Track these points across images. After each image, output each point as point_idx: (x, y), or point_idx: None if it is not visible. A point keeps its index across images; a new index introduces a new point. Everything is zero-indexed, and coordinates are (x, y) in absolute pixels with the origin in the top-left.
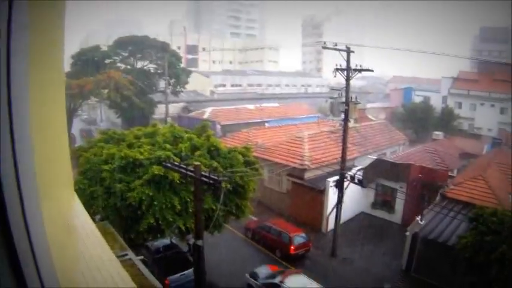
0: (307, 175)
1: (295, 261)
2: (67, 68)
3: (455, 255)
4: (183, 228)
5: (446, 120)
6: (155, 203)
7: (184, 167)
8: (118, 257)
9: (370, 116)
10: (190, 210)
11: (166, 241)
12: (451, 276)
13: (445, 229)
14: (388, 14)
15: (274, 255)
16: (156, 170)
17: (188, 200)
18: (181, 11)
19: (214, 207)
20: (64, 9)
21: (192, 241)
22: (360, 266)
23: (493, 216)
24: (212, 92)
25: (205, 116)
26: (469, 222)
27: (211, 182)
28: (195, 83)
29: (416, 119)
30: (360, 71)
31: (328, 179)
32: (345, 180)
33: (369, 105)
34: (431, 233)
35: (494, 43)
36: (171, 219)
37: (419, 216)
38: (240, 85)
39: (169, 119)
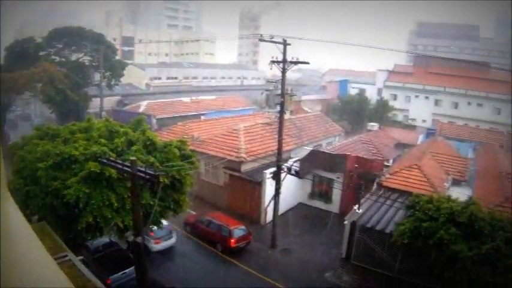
0: (244, 167)
1: (236, 254)
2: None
3: (394, 241)
4: (121, 225)
5: (381, 112)
6: (92, 201)
7: (121, 162)
8: (57, 258)
9: (306, 108)
10: (128, 207)
11: (105, 240)
12: (390, 262)
13: (383, 217)
14: (329, 10)
15: (215, 249)
16: (92, 166)
17: (126, 196)
18: (119, 2)
19: (152, 203)
20: None
21: (131, 238)
22: (301, 255)
23: (429, 203)
24: (148, 85)
25: (141, 110)
26: (406, 209)
27: (148, 177)
28: (131, 76)
29: (352, 111)
30: (295, 63)
31: (265, 171)
32: (282, 171)
33: (304, 97)
34: (369, 221)
35: (429, 38)
36: (109, 217)
37: (357, 206)
38: (175, 78)
39: (104, 113)
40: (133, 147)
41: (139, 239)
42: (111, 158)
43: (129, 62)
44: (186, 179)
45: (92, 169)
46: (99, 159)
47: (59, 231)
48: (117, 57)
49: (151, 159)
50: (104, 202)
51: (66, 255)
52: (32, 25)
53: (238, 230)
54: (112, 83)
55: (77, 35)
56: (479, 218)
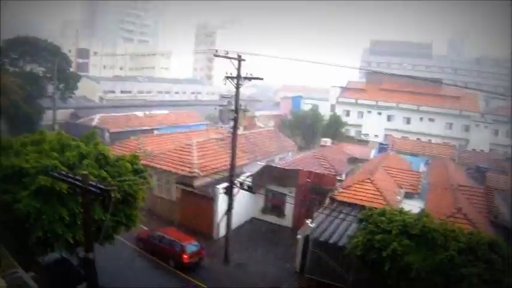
0: (197, 183)
1: (189, 270)
2: None
3: (347, 254)
4: (71, 240)
5: (334, 127)
6: (43, 215)
7: (72, 176)
8: (8, 275)
9: (259, 124)
10: (79, 222)
11: (57, 255)
12: (344, 275)
13: (336, 230)
14: (287, 26)
15: (167, 265)
16: (43, 180)
17: (77, 211)
18: (76, 10)
19: (103, 218)
20: None
21: (82, 254)
22: (255, 270)
23: (381, 216)
24: (101, 98)
25: (94, 123)
26: (359, 222)
27: (99, 191)
28: (85, 89)
29: (305, 126)
30: (250, 79)
31: (218, 186)
32: (235, 186)
33: (258, 113)
34: (322, 234)
35: (382, 55)
36: (60, 232)
37: (310, 220)
38: (130, 91)
39: (57, 126)
40: (85, 161)
41: (90, 255)
42: (62, 172)
43: (83, 74)
44: (138, 193)
45: (42, 183)
46: (50, 173)
47: (9, 247)
48: (72, 69)
49: (103, 173)
50: (54, 217)
51: (16, 272)
52: None
53: (191, 246)
54: (66, 95)
55: (32, 46)
56: (432, 229)
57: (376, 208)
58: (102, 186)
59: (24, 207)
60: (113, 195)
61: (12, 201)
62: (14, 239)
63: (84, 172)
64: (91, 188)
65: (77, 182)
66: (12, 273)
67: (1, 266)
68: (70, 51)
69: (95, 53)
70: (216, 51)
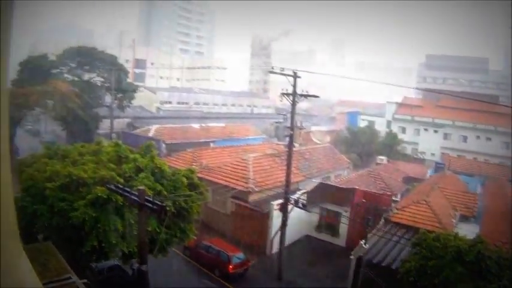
0: (252, 197)
1: (234, 281)
2: (14, 75)
3: (399, 278)
4: (126, 251)
5: (390, 145)
6: (98, 224)
7: (128, 190)
8: (61, 280)
9: (315, 139)
10: (134, 233)
11: (111, 262)
12: None
13: (389, 253)
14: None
15: (213, 274)
16: (100, 191)
17: (132, 222)
18: (133, 21)
19: (158, 231)
20: (12, 9)
21: (136, 265)
22: None
23: (436, 241)
24: (158, 109)
25: (150, 134)
26: (413, 246)
27: (155, 207)
28: (142, 99)
29: (361, 143)
30: (306, 96)
31: (272, 202)
32: (289, 203)
33: (314, 128)
34: (376, 256)
35: (438, 70)
36: (114, 242)
37: (363, 240)
38: (186, 103)
39: (114, 135)
40: (141, 175)
41: (144, 267)
42: (119, 185)
43: (140, 84)
44: (193, 208)
45: (99, 194)
46: (107, 185)
47: (64, 252)
48: (129, 79)
49: (159, 187)
50: (109, 227)
51: (69, 277)
52: (46, 42)
53: (237, 256)
54: (123, 104)
55: (90, 55)
56: (487, 256)
57: (430, 232)
58: (158, 202)
59: (80, 215)
60: (167, 209)
61: (69, 209)
62: (69, 246)
63: (141, 187)
64: (147, 203)
65: (134, 197)
66: (66, 278)
67: (55, 270)
68: (127, 61)
69: (152, 64)
70: (272, 68)
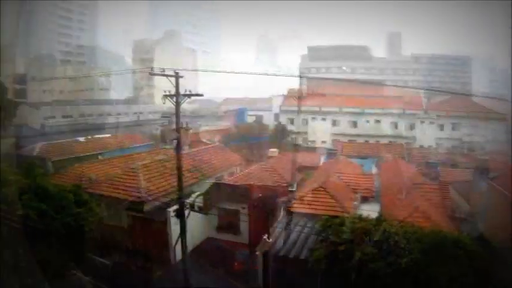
0: (147, 207)
1: None
2: None
3: (310, 268)
4: (16, 286)
5: (280, 137)
6: None
7: (9, 217)
8: None
9: (204, 140)
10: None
11: None
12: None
13: (295, 243)
14: (219, 34)
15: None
16: None
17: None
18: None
19: (48, 257)
20: None
21: None
22: None
23: (342, 226)
24: (42, 125)
25: (35, 153)
26: (318, 234)
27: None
28: (25, 116)
29: (251, 139)
30: (189, 96)
31: (168, 209)
32: (185, 208)
33: (202, 129)
34: (282, 249)
35: (320, 61)
36: (2, 277)
37: (267, 235)
38: (71, 116)
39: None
40: (24, 196)
41: None
42: None
43: (22, 100)
44: (85, 226)
45: None
46: None
47: None
48: (9, 96)
49: (44, 206)
50: None
51: None
52: None
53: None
54: (5, 123)
55: None
56: (393, 233)
57: (334, 217)
58: (40, 227)
59: None
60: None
61: None
62: None
63: (20, 212)
64: (29, 229)
65: (15, 224)
66: None
67: None
68: (7, 77)
69: (33, 78)
70: (152, 69)
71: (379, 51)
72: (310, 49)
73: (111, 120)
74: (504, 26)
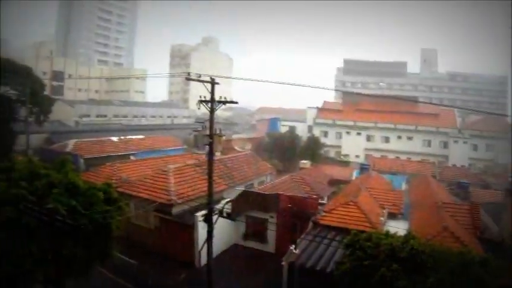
0: (175, 210)
1: None
2: None
3: (335, 281)
4: (40, 277)
5: (313, 149)
6: (11, 249)
7: (38, 210)
8: None
9: (236, 147)
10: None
11: None
12: None
13: (322, 256)
14: (256, 47)
15: None
16: (9, 211)
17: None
18: (51, 32)
19: (74, 253)
20: None
21: None
22: None
23: (368, 241)
24: (77, 123)
25: (68, 149)
26: (345, 248)
27: (66, 227)
28: (60, 113)
29: (283, 149)
30: (224, 102)
31: (197, 214)
32: (214, 213)
33: (235, 136)
34: (308, 261)
35: (356, 75)
36: (28, 268)
37: (293, 245)
38: (105, 116)
39: (31, 151)
40: (55, 190)
41: None
42: (28, 205)
43: (58, 97)
44: (112, 224)
45: (7, 215)
46: (18, 205)
47: None
48: (46, 92)
49: (73, 202)
50: (23, 251)
51: None
52: None
53: None
54: (40, 119)
55: (3, 67)
56: (420, 251)
57: (362, 232)
58: (69, 222)
59: None
60: (82, 227)
61: None
62: None
63: (51, 206)
64: (58, 223)
65: (44, 217)
66: None
67: None
68: (45, 74)
69: (70, 76)
70: (189, 74)
71: (414, 67)
72: (347, 62)
73: (145, 122)
74: None
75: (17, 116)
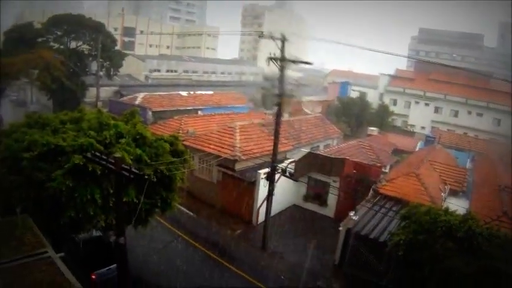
0: (238, 166)
1: (226, 254)
2: None
3: (388, 252)
4: (102, 223)
5: (382, 117)
6: (76, 195)
7: (105, 158)
8: (36, 254)
9: (306, 110)
10: (112, 204)
11: (93, 233)
12: (383, 272)
13: (377, 225)
14: (332, 10)
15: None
16: (76, 159)
17: (111, 192)
18: None
19: (137, 201)
20: None
21: (113, 238)
22: (292, 260)
23: (426, 215)
24: (146, 77)
25: (137, 102)
26: (401, 220)
27: (132, 176)
28: (130, 67)
29: (352, 114)
30: (295, 62)
31: (259, 171)
32: (276, 172)
33: (306, 98)
34: (363, 228)
35: (431, 44)
36: (92, 213)
37: (353, 212)
38: (175, 71)
39: (100, 103)
40: (122, 140)
41: (121, 240)
42: (95, 153)
43: (129, 52)
44: (175, 175)
45: (76, 162)
46: (84, 154)
47: (41, 225)
48: (117, 48)
49: (139, 151)
50: (87, 197)
51: (46, 252)
52: (32, 11)
53: None
54: (111, 73)
55: (77, 23)
56: (477, 233)
57: (420, 205)
58: (135, 171)
59: (57, 185)
60: (146, 177)
61: (47, 179)
62: (47, 217)
63: (118, 155)
64: (124, 172)
65: (110, 165)
66: (42, 253)
67: (30, 244)
68: (116, 30)
69: (141, 32)
70: (262, 33)
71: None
72: (421, 31)
73: (214, 78)
74: None
75: (88, 70)
